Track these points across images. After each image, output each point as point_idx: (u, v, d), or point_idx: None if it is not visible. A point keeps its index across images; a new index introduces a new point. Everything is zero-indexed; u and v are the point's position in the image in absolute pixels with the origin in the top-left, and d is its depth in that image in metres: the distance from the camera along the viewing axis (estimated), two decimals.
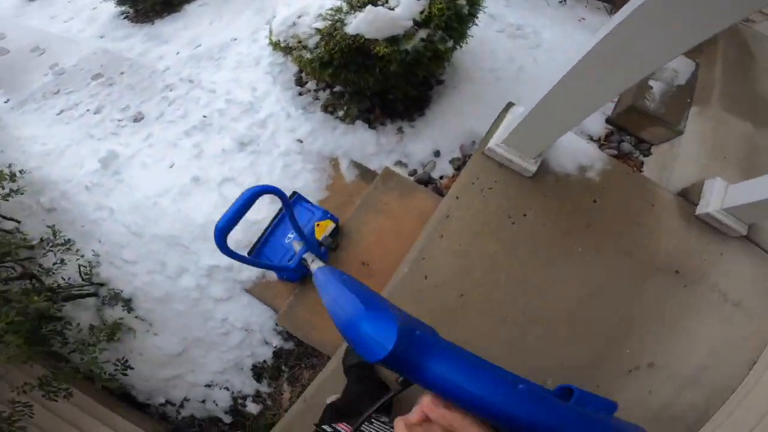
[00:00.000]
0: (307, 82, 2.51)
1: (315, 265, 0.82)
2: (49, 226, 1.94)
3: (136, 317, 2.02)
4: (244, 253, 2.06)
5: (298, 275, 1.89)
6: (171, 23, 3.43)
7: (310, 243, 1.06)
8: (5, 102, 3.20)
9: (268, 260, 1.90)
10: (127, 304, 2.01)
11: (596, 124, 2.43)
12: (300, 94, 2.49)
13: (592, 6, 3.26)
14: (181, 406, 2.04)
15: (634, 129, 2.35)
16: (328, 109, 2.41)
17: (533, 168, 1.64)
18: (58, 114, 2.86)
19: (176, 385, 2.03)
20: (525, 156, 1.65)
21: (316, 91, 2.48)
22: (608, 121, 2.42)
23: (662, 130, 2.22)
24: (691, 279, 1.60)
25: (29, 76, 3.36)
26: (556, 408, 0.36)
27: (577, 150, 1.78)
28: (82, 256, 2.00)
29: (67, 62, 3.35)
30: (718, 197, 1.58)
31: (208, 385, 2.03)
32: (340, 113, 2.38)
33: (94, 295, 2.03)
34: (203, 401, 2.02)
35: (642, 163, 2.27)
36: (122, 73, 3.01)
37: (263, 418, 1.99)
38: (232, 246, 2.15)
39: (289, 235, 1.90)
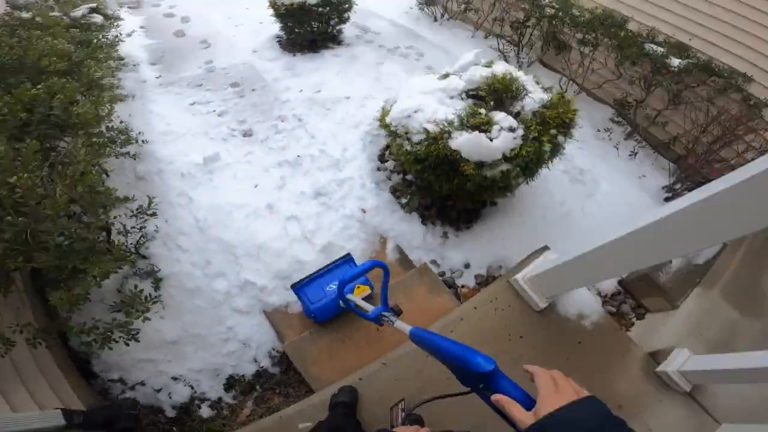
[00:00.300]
0: (387, 161, 2.81)
1: (403, 325, 1.05)
2: (149, 197, 2.19)
3: (156, 297, 2.10)
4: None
5: (325, 318, 2.12)
6: (307, 61, 4.01)
7: (385, 305, 1.35)
8: (156, 77, 3.90)
9: (308, 298, 2.14)
10: (157, 282, 2.17)
11: (609, 282, 2.57)
12: (378, 169, 2.79)
13: (658, 164, 3.38)
14: (132, 387, 2.05)
15: (638, 294, 2.53)
16: (396, 192, 2.68)
17: (543, 305, 2.00)
18: (191, 104, 3.45)
19: (143, 368, 2.08)
20: (540, 295, 2.00)
21: (391, 171, 2.76)
22: (620, 282, 2.59)
23: (662, 302, 2.41)
24: (628, 414, 1.84)
25: (187, 64, 4.10)
26: None
27: (583, 300, 2.13)
28: (145, 228, 2.21)
29: (220, 64, 4.05)
30: (679, 362, 1.90)
31: (174, 378, 2.07)
32: (404, 200, 2.63)
33: (131, 263, 2.13)
34: (159, 390, 2.05)
35: (633, 324, 2.44)
36: (254, 90, 3.57)
37: (211, 424, 2.02)
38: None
39: (331, 285, 2.15)
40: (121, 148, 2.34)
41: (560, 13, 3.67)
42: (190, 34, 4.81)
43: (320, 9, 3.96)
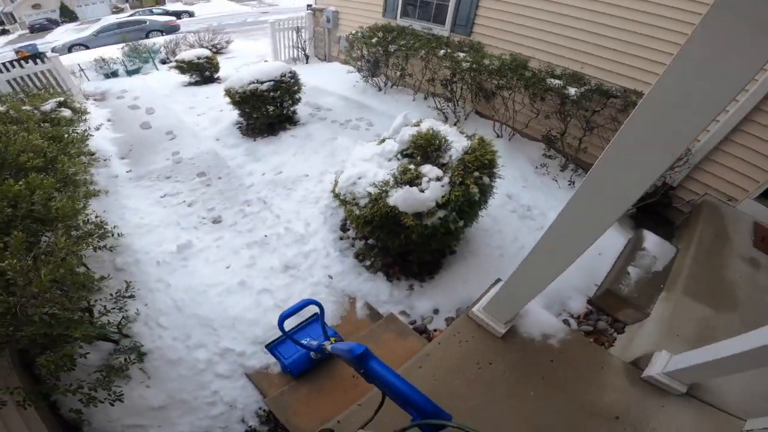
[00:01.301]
0: (348, 230, 3.14)
1: (329, 345, 1.33)
2: (126, 281, 2.38)
3: (140, 368, 2.27)
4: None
5: (300, 370, 2.26)
6: (266, 145, 4.42)
7: (325, 336, 1.74)
8: (127, 171, 4.14)
9: (281, 355, 2.30)
10: (140, 357, 2.30)
11: (578, 302, 2.70)
12: (341, 238, 3.11)
13: None
14: None
15: (610, 310, 2.62)
16: (359, 257, 2.98)
17: (502, 330, 2.14)
18: (161, 197, 3.70)
19: None
20: (497, 321, 2.17)
21: (353, 239, 3.09)
22: (589, 301, 2.71)
23: (634, 312, 2.49)
24: (630, 423, 1.87)
25: (155, 156, 4.40)
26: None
27: (543, 322, 2.25)
28: (126, 311, 2.38)
29: (186, 154, 4.38)
30: (662, 364, 1.94)
31: (212, 404, 2.20)
32: (368, 263, 2.93)
33: (115, 342, 2.36)
34: None
35: (615, 339, 2.49)
36: (219, 178, 3.89)
37: None
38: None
39: (303, 341, 2.24)
40: (99, 241, 2.46)
41: (474, 65, 4.16)
42: (155, 126, 5.16)
43: (272, 93, 4.44)
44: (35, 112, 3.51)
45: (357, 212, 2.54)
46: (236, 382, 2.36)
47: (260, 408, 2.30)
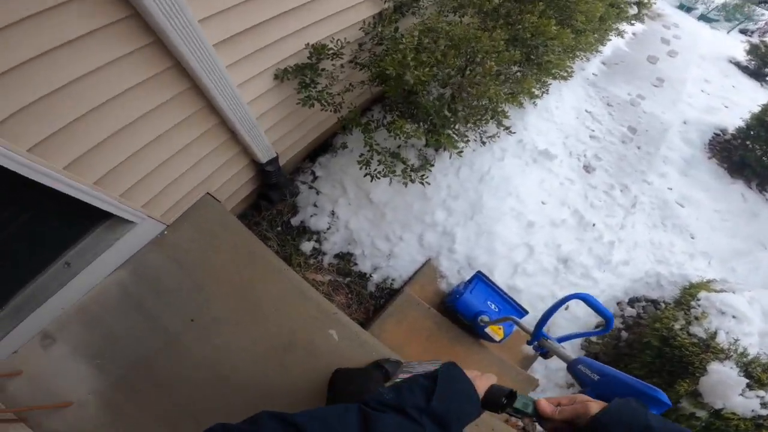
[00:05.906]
0: (633, 306, 2.39)
1: (566, 353, 1.18)
2: (507, 129, 2.44)
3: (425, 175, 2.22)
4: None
5: (458, 310, 2.15)
6: (720, 179, 3.37)
7: (560, 338, 1.43)
8: (593, 74, 4.10)
9: (470, 289, 2.17)
10: (420, 169, 2.29)
11: None
12: (618, 303, 2.43)
13: None
14: (311, 187, 2.47)
15: None
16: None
17: None
18: (585, 110, 3.58)
19: (335, 187, 2.45)
20: None
21: (623, 316, 2.37)
22: None
23: None
24: None
25: (622, 84, 4.12)
26: None
27: None
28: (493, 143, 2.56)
29: (646, 105, 3.91)
30: None
31: (333, 213, 2.42)
32: (594, 338, 2.29)
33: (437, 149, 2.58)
34: (315, 206, 2.44)
35: None
36: (638, 148, 3.37)
37: (299, 254, 2.33)
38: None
39: (492, 305, 2.19)
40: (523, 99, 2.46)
41: None
42: (658, 66, 4.65)
43: None
44: None
45: (676, 326, 2.08)
46: (418, 253, 2.39)
47: (393, 280, 2.35)
